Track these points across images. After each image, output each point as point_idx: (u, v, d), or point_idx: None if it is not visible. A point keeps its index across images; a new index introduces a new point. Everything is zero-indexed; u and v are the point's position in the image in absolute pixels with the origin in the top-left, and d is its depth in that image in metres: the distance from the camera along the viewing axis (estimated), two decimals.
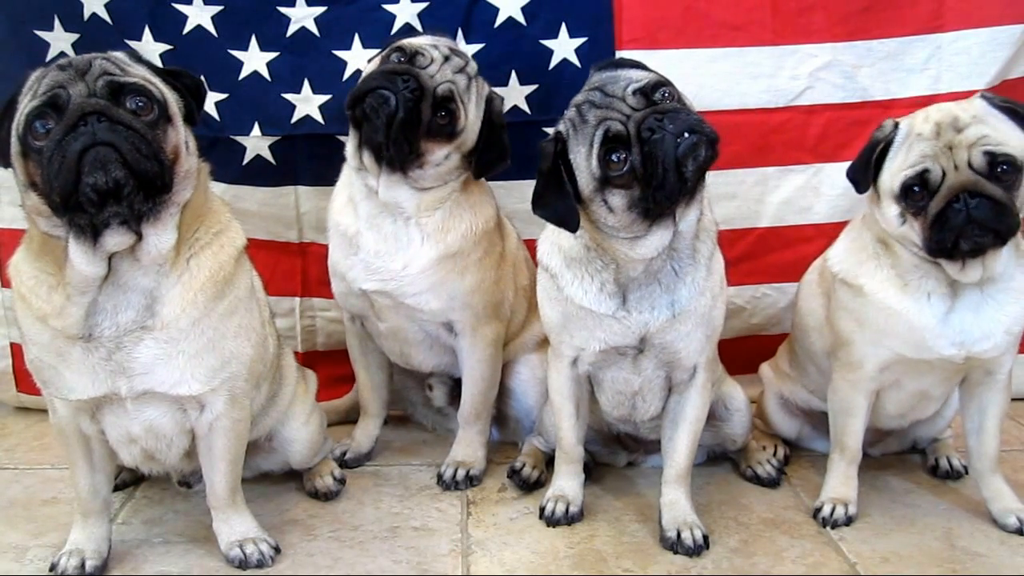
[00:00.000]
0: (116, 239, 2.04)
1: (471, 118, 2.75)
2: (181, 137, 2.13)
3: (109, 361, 2.12)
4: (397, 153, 2.66)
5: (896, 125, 2.44)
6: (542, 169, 2.29)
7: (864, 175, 2.49)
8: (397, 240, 2.78)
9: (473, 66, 2.80)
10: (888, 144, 2.43)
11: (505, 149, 2.87)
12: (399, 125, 2.61)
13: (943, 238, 2.30)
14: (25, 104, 2.02)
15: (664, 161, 2.15)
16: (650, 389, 2.57)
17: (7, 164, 2.07)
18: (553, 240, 2.51)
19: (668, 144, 2.15)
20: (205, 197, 2.26)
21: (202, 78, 2.33)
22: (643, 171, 2.18)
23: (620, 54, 3.23)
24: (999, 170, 2.28)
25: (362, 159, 2.75)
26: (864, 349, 2.55)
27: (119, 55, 2.16)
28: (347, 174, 2.88)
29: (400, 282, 2.78)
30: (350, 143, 2.80)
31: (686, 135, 2.15)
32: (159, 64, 3.17)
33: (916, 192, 2.34)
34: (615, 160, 2.20)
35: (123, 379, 2.14)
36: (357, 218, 2.81)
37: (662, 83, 2.26)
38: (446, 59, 2.72)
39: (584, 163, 2.24)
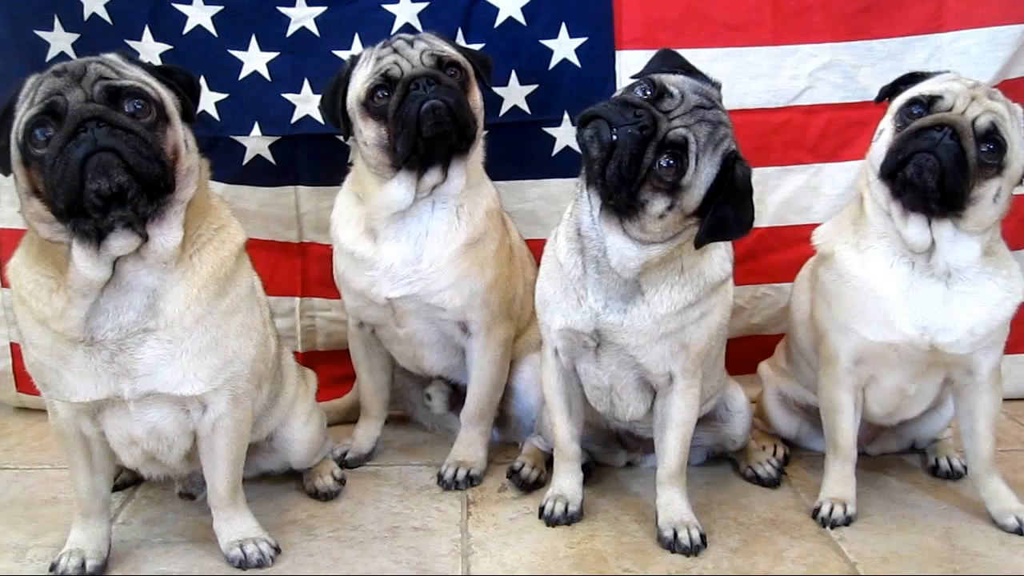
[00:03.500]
0: (121, 242, 2.04)
1: (457, 52, 2.78)
2: (180, 136, 2.12)
3: (112, 363, 2.12)
4: (470, 132, 2.70)
5: (946, 71, 2.58)
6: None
7: (888, 87, 2.60)
8: (429, 234, 2.77)
9: (407, 33, 2.83)
10: (924, 76, 2.55)
11: (482, 53, 3.00)
12: (458, 109, 2.63)
13: (901, 150, 2.38)
14: (23, 112, 2.01)
15: (608, 135, 2.18)
16: (623, 388, 2.56)
17: (8, 172, 2.07)
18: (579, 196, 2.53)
19: (623, 131, 2.17)
20: (206, 194, 2.26)
21: (200, 78, 2.33)
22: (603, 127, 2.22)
23: (620, 54, 3.24)
24: (986, 146, 2.34)
25: (419, 188, 2.71)
26: (835, 337, 2.58)
27: (113, 57, 2.15)
28: (358, 210, 2.83)
29: (427, 280, 2.77)
30: (408, 186, 2.71)
31: (629, 159, 2.16)
32: (158, 63, 3.22)
33: (915, 111, 2.42)
34: (639, 91, 2.25)
35: (126, 381, 2.14)
36: (376, 242, 2.80)
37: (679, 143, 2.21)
38: (396, 51, 2.71)
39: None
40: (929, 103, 2.41)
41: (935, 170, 2.31)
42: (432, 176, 2.72)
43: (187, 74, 2.26)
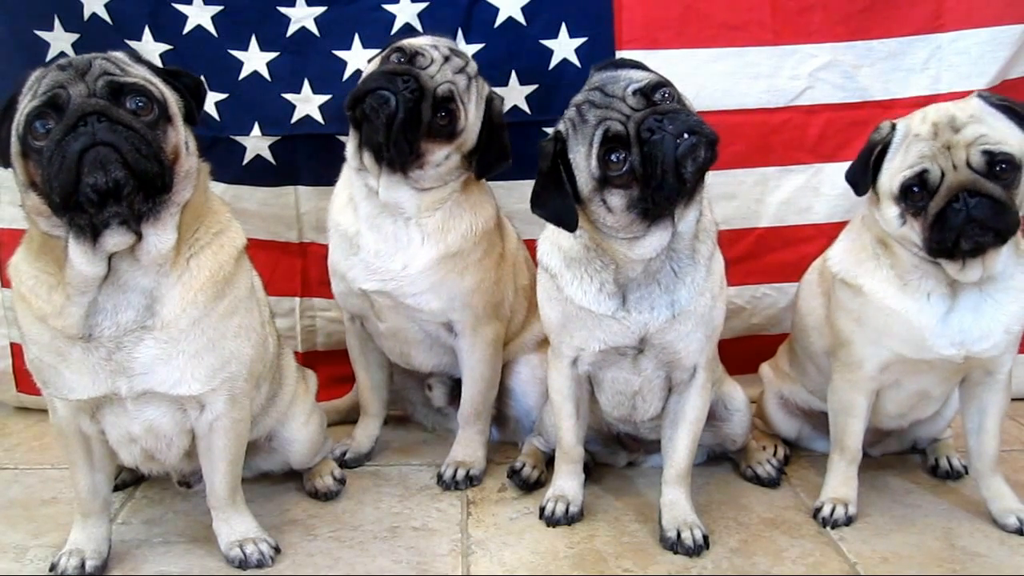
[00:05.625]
0: (116, 239, 2.04)
1: (471, 118, 2.75)
2: (181, 137, 2.12)
3: (109, 361, 2.12)
4: (397, 154, 2.66)
5: (893, 127, 2.43)
6: (541, 169, 2.29)
7: (863, 177, 2.49)
8: (397, 240, 2.78)
9: (473, 66, 2.80)
10: (886, 146, 2.43)
11: (506, 149, 2.87)
12: (399, 126, 2.61)
13: (943, 238, 2.30)
14: (25, 104, 2.02)
15: (663, 162, 2.15)
16: (650, 389, 2.57)
17: (7, 164, 2.07)
18: (553, 240, 2.50)
19: (668, 145, 2.15)
20: (205, 197, 2.26)
21: (202, 78, 2.33)
22: (642, 171, 2.18)
23: (620, 54, 3.23)
24: (998, 169, 2.28)
25: (362, 159, 2.75)
26: (864, 349, 2.55)
27: (119, 55, 2.15)
28: (347, 174, 2.88)
29: (400, 282, 2.78)
30: (350, 143, 2.80)
31: (686, 136, 2.16)
32: (159, 64, 3.21)
33: (915, 192, 2.34)
34: (614, 160, 2.20)
35: (123, 379, 2.14)
36: (357, 218, 2.81)
37: (662, 83, 2.26)
38: (446, 59, 2.72)
39: (583, 163, 2.24)
40: (921, 183, 2.31)
41: (986, 230, 2.26)
42: (367, 159, 2.72)
43: (194, 78, 2.26)
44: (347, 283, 2.88)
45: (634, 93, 2.22)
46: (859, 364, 2.57)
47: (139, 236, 2.06)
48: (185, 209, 2.15)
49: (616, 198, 2.23)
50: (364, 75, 2.77)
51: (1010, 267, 2.44)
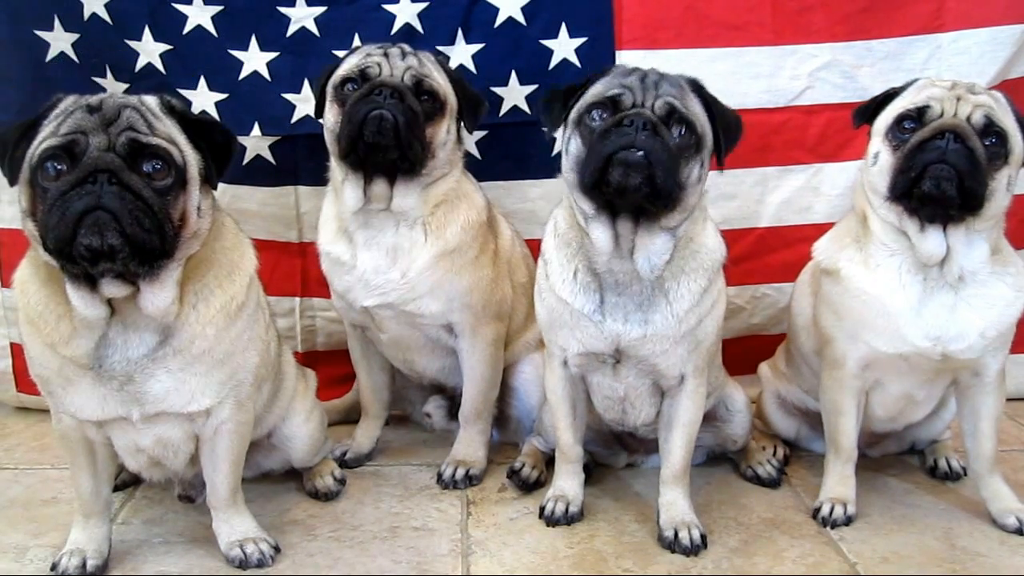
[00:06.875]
0: (112, 289, 2.02)
1: (443, 83, 2.80)
2: (193, 202, 2.08)
3: (121, 391, 2.13)
4: (413, 155, 2.68)
5: (915, 80, 2.55)
6: (579, 81, 2.43)
7: (865, 111, 2.58)
8: (398, 249, 2.79)
9: (408, 47, 2.84)
10: (900, 91, 2.53)
11: (477, 95, 2.92)
12: (405, 129, 2.64)
13: (910, 168, 2.35)
14: (44, 136, 2.00)
15: (602, 148, 2.21)
16: (637, 396, 2.57)
17: (13, 183, 2.06)
18: (554, 216, 2.55)
19: (616, 142, 2.20)
20: (217, 245, 2.22)
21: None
22: (590, 139, 2.26)
23: (620, 54, 3.24)
24: (989, 140, 2.35)
25: (368, 195, 2.75)
26: (844, 345, 2.57)
27: (152, 103, 2.10)
28: (334, 208, 2.88)
29: (401, 291, 2.79)
30: (355, 187, 2.76)
31: (637, 151, 2.18)
32: (161, 65, 3.22)
33: (907, 126, 2.41)
34: (593, 115, 2.30)
35: (135, 406, 2.16)
36: (351, 244, 2.83)
37: (687, 121, 2.26)
38: (386, 55, 2.76)
39: (588, 96, 2.33)
40: (919, 115, 2.40)
41: (952, 177, 2.30)
42: (379, 187, 2.74)
43: (226, 135, 2.21)
44: (347, 301, 2.90)
45: (663, 105, 2.25)
46: (841, 361, 2.59)
47: (137, 288, 2.05)
48: (192, 257, 2.13)
49: (574, 144, 2.33)
50: (337, 121, 2.72)
51: (984, 273, 2.45)
